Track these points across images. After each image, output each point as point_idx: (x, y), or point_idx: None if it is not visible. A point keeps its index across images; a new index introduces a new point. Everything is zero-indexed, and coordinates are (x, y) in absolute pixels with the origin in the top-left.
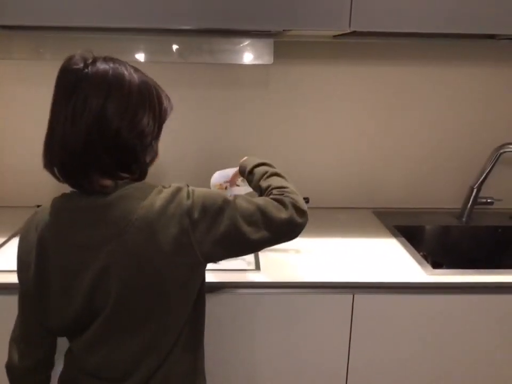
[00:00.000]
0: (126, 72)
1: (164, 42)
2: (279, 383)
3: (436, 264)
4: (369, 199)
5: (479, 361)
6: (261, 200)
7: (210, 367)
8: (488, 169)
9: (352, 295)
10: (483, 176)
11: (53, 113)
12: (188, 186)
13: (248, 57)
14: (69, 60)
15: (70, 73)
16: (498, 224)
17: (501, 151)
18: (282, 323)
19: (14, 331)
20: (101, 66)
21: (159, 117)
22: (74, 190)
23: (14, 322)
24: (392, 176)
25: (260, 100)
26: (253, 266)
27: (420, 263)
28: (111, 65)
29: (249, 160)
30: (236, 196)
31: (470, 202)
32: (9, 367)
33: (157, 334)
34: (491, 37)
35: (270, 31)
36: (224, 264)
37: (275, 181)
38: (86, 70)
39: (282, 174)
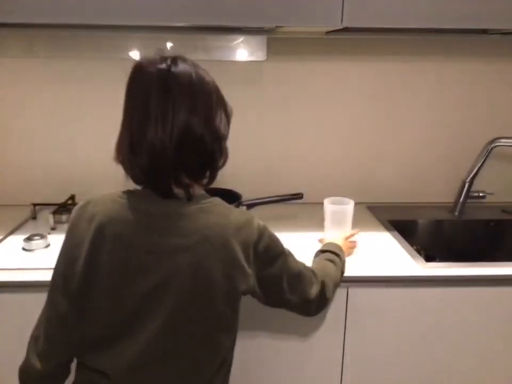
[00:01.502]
0: (203, 73)
1: (158, 40)
2: (273, 376)
3: (429, 258)
4: (363, 194)
5: (472, 353)
6: (306, 270)
7: None
8: (480, 163)
9: (346, 289)
10: (475, 170)
11: (135, 114)
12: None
13: (241, 54)
14: (147, 59)
15: (154, 73)
16: (491, 217)
17: (493, 145)
18: (277, 317)
19: (37, 328)
20: (183, 67)
21: (228, 116)
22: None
23: (15, 321)
24: (386, 171)
25: (253, 96)
26: None
27: (413, 257)
28: (191, 66)
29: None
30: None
31: (463, 196)
32: (25, 370)
33: (201, 360)
34: (483, 32)
35: (263, 28)
36: None
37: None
38: (172, 70)
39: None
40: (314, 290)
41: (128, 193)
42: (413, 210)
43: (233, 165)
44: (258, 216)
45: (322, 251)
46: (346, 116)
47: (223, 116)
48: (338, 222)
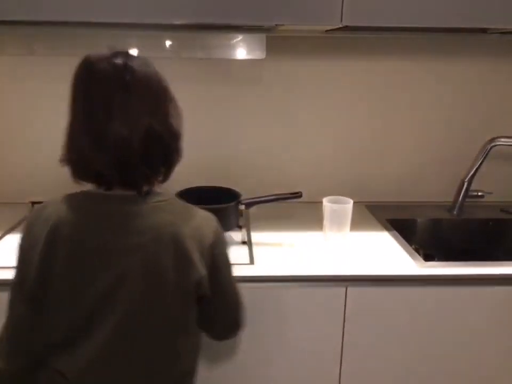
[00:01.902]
0: (155, 69)
1: (157, 38)
2: (272, 376)
3: (428, 257)
4: (362, 193)
5: (472, 352)
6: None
7: (203, 361)
8: (479, 162)
9: (345, 288)
10: (474, 169)
11: (94, 110)
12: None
13: (240, 52)
14: (96, 55)
15: (109, 68)
16: (489, 217)
17: (492, 144)
18: (276, 316)
19: (2, 329)
20: (137, 62)
21: (180, 114)
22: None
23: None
24: (385, 170)
25: (252, 95)
26: (247, 260)
27: (411, 256)
28: (143, 61)
29: None
30: None
31: (461, 195)
32: None
33: (158, 361)
34: (483, 31)
35: (262, 26)
36: None
37: None
38: (129, 65)
39: None
40: (243, 317)
41: (83, 193)
42: (412, 210)
43: (232, 164)
44: (258, 215)
45: None
46: (346, 114)
47: (176, 113)
48: (337, 221)
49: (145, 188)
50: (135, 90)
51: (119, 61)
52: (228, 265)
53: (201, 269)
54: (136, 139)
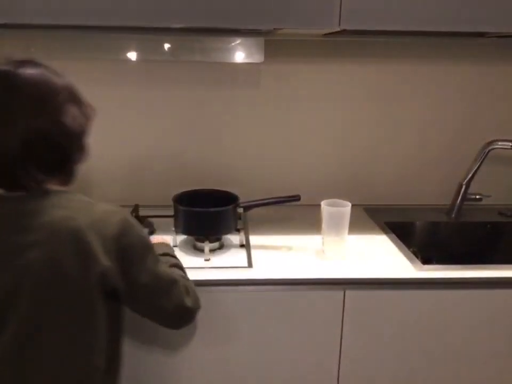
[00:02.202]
0: (51, 74)
1: (156, 41)
2: (271, 379)
3: (426, 260)
4: (359, 197)
5: (470, 355)
6: (179, 277)
7: (202, 365)
8: (477, 165)
9: (343, 291)
10: (472, 172)
11: None
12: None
13: (239, 56)
14: None
15: None
16: (487, 220)
17: (490, 147)
18: (274, 320)
19: None
20: (29, 68)
21: (86, 113)
22: None
23: None
24: (383, 173)
25: (250, 98)
26: (245, 264)
27: (410, 259)
28: (39, 67)
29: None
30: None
31: (459, 198)
32: None
33: (66, 361)
34: (480, 35)
35: (260, 30)
36: (216, 261)
37: (176, 271)
38: (16, 71)
39: (182, 265)
40: (190, 299)
41: None
42: (410, 213)
43: (231, 167)
44: (256, 218)
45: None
46: (344, 117)
47: (77, 113)
48: (335, 224)
49: (41, 187)
50: (16, 94)
51: (7, 67)
52: (142, 257)
53: (104, 261)
54: (15, 141)
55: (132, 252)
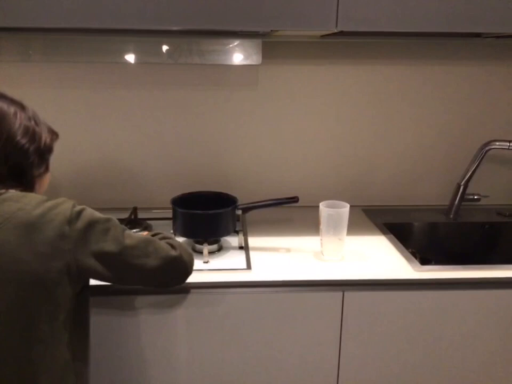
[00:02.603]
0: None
1: (154, 44)
2: (270, 381)
3: (425, 261)
4: (358, 197)
5: (469, 355)
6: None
7: (200, 366)
8: (475, 166)
9: (342, 293)
10: (470, 173)
11: None
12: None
13: (237, 58)
14: None
15: None
16: (485, 220)
17: (487, 148)
18: (274, 322)
19: None
20: None
21: (35, 134)
22: None
23: None
24: (381, 174)
25: (248, 100)
26: (244, 266)
27: (408, 260)
28: None
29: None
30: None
31: (458, 199)
32: None
33: (28, 349)
34: (477, 35)
35: (258, 32)
36: (215, 264)
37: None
38: None
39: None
40: (175, 250)
41: None
42: (408, 213)
43: (229, 169)
44: (254, 220)
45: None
46: (341, 119)
47: (29, 132)
48: (334, 226)
49: None
50: None
51: None
52: (103, 231)
53: (64, 246)
54: None
55: (92, 231)
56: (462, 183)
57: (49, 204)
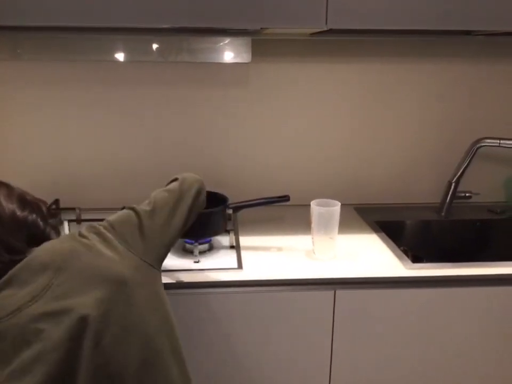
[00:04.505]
0: None
1: (143, 42)
2: (262, 380)
3: (416, 258)
4: (350, 196)
5: (460, 353)
6: None
7: (191, 366)
8: (466, 163)
9: (333, 291)
10: (461, 170)
11: None
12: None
13: (226, 56)
14: None
15: None
16: (477, 217)
17: (478, 145)
18: (265, 321)
19: None
20: None
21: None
22: None
23: None
24: (372, 172)
25: (239, 98)
26: (235, 265)
27: (399, 258)
28: None
29: None
30: None
31: (449, 196)
32: None
33: None
34: (467, 33)
35: (247, 30)
36: (206, 263)
37: None
38: None
39: None
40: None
41: None
42: (400, 211)
43: (219, 168)
44: (245, 219)
45: None
46: (332, 117)
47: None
48: (325, 224)
49: None
50: None
51: None
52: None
53: None
54: None
55: None
56: (453, 181)
57: None
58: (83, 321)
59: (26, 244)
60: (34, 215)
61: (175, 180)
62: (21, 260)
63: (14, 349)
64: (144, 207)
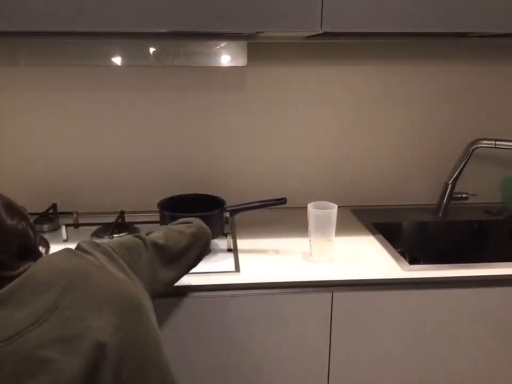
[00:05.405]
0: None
1: (140, 46)
2: (260, 382)
3: (414, 260)
4: (347, 198)
5: (458, 354)
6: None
7: (190, 369)
8: (462, 165)
9: (331, 293)
10: (457, 171)
11: None
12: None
13: (223, 60)
14: None
15: None
16: (474, 218)
17: (474, 146)
18: (263, 323)
19: None
20: None
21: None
22: None
23: None
24: (369, 174)
25: (235, 102)
26: (232, 268)
27: (397, 260)
28: None
29: None
30: None
31: (446, 198)
32: None
33: None
34: (462, 35)
35: (243, 33)
36: (203, 266)
37: None
38: None
39: None
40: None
41: None
42: (397, 213)
43: (216, 171)
44: (243, 222)
45: None
46: (329, 119)
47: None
48: (322, 226)
49: None
50: None
51: None
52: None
53: None
54: None
55: None
56: (450, 182)
57: None
58: (100, 349)
59: (16, 257)
60: (24, 223)
61: (186, 222)
62: (12, 276)
63: (13, 383)
64: (156, 239)
